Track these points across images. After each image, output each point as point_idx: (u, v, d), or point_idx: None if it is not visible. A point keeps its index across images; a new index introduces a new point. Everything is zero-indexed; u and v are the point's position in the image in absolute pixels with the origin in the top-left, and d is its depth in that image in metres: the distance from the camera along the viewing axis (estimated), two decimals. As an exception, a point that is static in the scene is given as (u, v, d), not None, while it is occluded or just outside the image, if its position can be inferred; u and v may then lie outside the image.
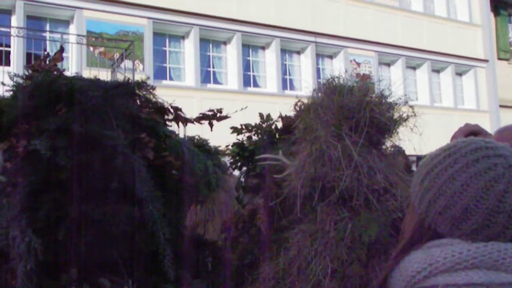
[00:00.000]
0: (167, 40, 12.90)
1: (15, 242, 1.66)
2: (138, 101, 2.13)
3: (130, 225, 2.03)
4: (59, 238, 1.88)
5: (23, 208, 1.78)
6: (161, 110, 2.18)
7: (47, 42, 10.80)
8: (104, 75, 9.52)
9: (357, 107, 3.10)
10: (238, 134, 4.60)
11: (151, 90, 2.12)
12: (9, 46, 10.16)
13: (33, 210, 1.85)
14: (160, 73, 12.59)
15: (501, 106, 16.71)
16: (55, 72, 1.88)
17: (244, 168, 4.78)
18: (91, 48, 11.17)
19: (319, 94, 3.41)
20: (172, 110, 2.24)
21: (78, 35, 10.11)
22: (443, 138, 2.11)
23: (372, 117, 3.05)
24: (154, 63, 12.33)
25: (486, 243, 0.80)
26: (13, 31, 9.88)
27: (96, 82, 1.99)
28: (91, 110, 1.86)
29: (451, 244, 0.82)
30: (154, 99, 2.16)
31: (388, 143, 3.26)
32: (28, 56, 10.20)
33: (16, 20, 10.69)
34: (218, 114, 2.40)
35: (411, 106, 3.06)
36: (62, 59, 1.99)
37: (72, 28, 11.45)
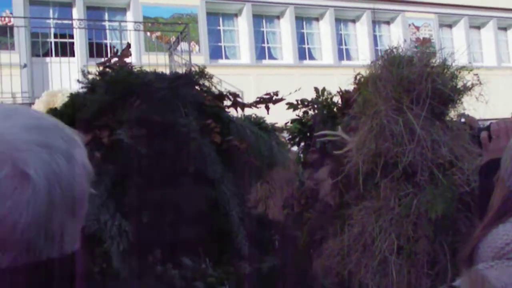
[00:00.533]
0: (220, 19, 12.99)
1: (106, 226, 1.82)
2: (199, 89, 2.23)
3: (206, 206, 2.14)
4: (144, 221, 2.01)
5: (111, 194, 1.93)
6: (220, 97, 2.27)
7: (107, 31, 11.22)
8: (163, 59, 9.81)
9: (418, 78, 3.01)
10: (294, 110, 4.61)
11: (209, 79, 2.21)
12: (72, 37, 10.67)
13: (120, 195, 1.99)
14: (216, 52, 12.73)
15: None
16: (125, 68, 2.02)
17: (302, 144, 4.81)
18: (148, 34, 11.48)
19: (378, 66, 3.35)
20: (230, 97, 2.33)
21: (135, 22, 10.42)
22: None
23: (434, 88, 2.97)
24: (209, 43, 12.48)
25: None
26: (75, 23, 10.36)
27: (160, 75, 2.11)
28: (162, 100, 1.98)
29: None
30: (212, 87, 2.26)
31: (452, 114, 3.17)
32: (90, 45, 10.66)
33: (77, 12, 11.17)
34: (274, 97, 2.45)
35: (475, 74, 2.95)
36: (130, 54, 2.12)
37: (129, 15, 11.80)
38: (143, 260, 2.01)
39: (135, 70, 2.13)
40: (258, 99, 2.39)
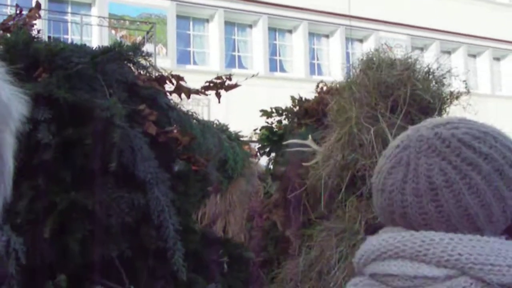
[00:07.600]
0: (191, 23, 12.57)
1: (-10, 242, 1.35)
2: (133, 68, 1.77)
3: (132, 215, 1.68)
4: (45, 236, 1.54)
5: (-3, 199, 1.45)
6: (159, 79, 1.81)
7: (68, 25, 10.58)
8: (126, 58, 9.26)
9: (397, 82, 2.71)
10: (267, 118, 4.29)
11: (146, 57, 1.75)
12: (31, 29, 9.98)
13: (11, 201, 1.51)
14: (184, 57, 12.29)
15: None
16: (28, 31, 1.54)
17: (273, 154, 4.50)
18: (113, 31, 10.92)
19: (355, 71, 3.03)
20: (173, 80, 1.87)
21: (99, 17, 9.86)
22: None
23: (413, 94, 2.66)
24: (178, 47, 12.03)
25: (414, 232, 0.74)
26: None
27: (81, 47, 1.64)
28: (77, 76, 1.51)
29: (385, 232, 0.80)
30: (151, 67, 1.80)
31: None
32: (48, 40, 10.00)
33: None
34: (227, 82, 2.01)
35: (463, 81, 2.65)
36: (38, 16, 1.64)
37: (94, 11, 11.22)
38: (40, 289, 1.53)
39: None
40: (207, 84, 1.94)
